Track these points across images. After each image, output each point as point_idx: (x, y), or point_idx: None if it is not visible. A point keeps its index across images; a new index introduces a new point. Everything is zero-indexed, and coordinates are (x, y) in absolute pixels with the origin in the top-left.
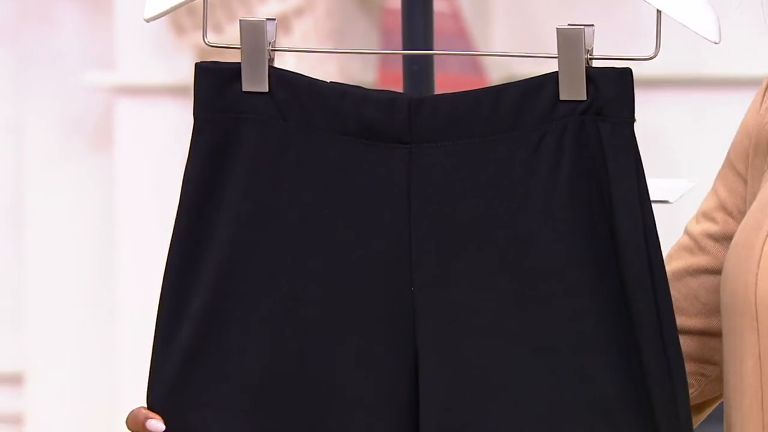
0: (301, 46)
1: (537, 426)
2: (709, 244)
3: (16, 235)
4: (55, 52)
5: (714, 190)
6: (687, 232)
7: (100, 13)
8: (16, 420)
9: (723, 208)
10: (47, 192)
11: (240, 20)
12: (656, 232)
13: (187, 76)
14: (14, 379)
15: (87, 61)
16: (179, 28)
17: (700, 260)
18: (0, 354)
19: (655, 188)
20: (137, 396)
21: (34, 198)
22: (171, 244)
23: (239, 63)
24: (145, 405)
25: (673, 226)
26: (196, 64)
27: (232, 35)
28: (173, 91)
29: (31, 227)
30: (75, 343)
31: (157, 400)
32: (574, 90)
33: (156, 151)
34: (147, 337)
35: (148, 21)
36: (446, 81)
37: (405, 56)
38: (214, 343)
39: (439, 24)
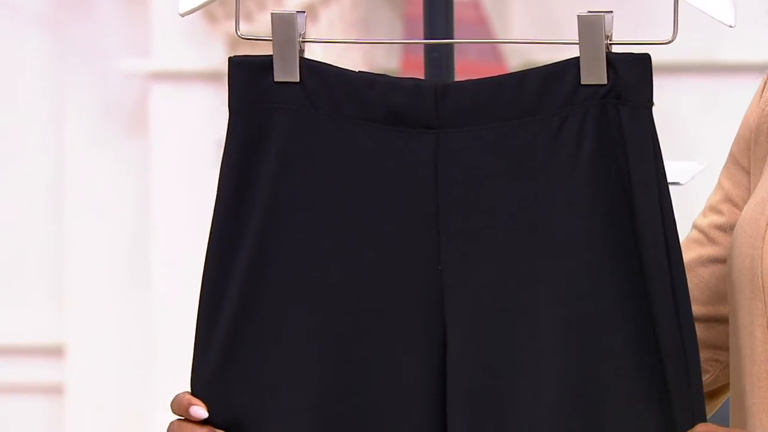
0: (328, 34)
1: (556, 398)
2: (718, 234)
3: (57, 215)
4: (93, 40)
5: (719, 184)
6: (695, 226)
7: (136, 3)
8: (57, 390)
9: (729, 200)
10: (86, 172)
11: (271, 13)
12: (673, 213)
13: (219, 63)
14: (55, 352)
15: (123, 48)
16: (211, 17)
17: (710, 250)
18: (42, 328)
19: (667, 170)
20: (172, 367)
21: (74, 178)
22: (210, 233)
23: (270, 55)
24: (188, 389)
25: (684, 207)
26: (230, 59)
27: (262, 23)
28: (205, 77)
29: (70, 207)
30: (113, 318)
31: (199, 386)
32: (594, 74)
33: (189, 134)
34: (181, 311)
35: (182, 15)
36: (466, 67)
37: (426, 44)
38: (251, 326)
39: (459, 12)
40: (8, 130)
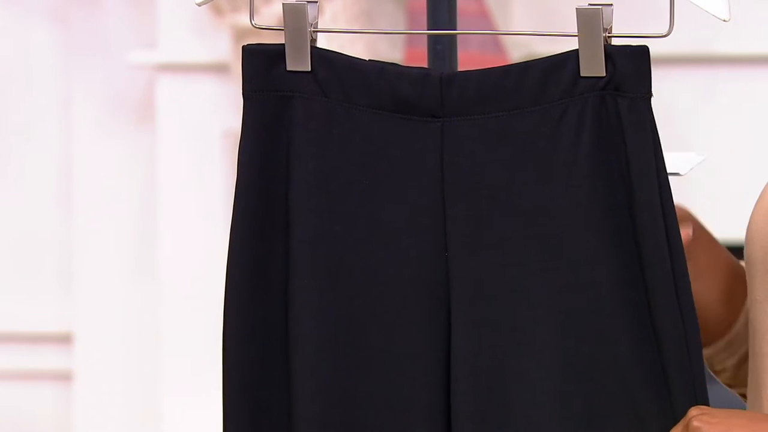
0: (331, 26)
1: (558, 382)
2: None
3: (65, 205)
4: (100, 32)
5: None
6: None
7: None
8: (65, 377)
9: None
10: (93, 162)
11: (283, 3)
12: (672, 201)
13: (225, 55)
14: (64, 339)
15: (130, 41)
16: (217, 10)
17: None
18: (51, 315)
19: (667, 161)
20: (178, 355)
21: (82, 168)
22: (233, 216)
23: (283, 44)
24: (193, 375)
25: (684, 197)
26: (244, 47)
27: (267, 16)
28: (211, 68)
29: (78, 196)
30: (120, 306)
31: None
32: (593, 66)
33: (195, 124)
34: (187, 299)
35: (199, 5)
36: (468, 59)
37: (429, 36)
38: (273, 310)
39: (461, 5)
40: (17, 120)
